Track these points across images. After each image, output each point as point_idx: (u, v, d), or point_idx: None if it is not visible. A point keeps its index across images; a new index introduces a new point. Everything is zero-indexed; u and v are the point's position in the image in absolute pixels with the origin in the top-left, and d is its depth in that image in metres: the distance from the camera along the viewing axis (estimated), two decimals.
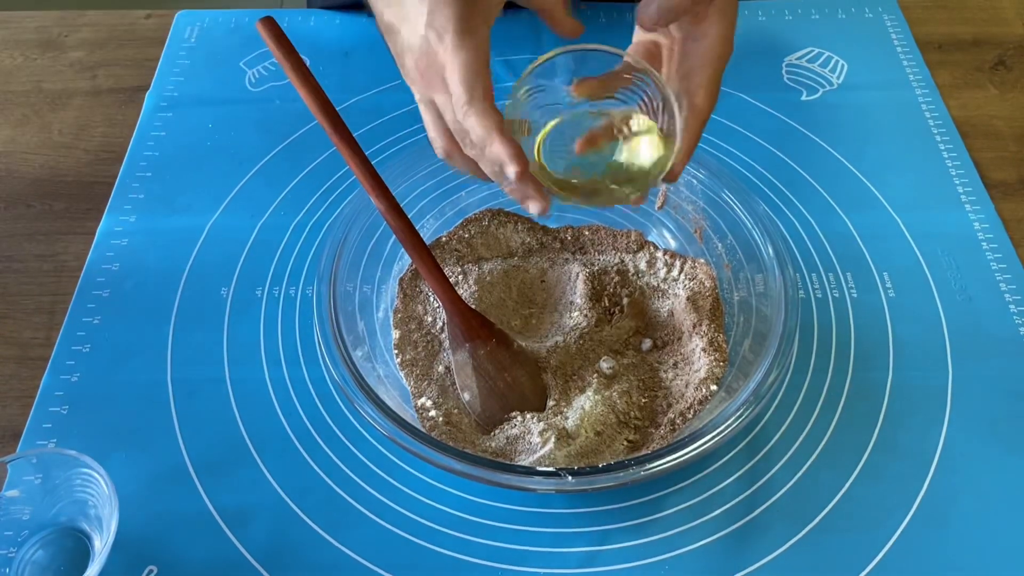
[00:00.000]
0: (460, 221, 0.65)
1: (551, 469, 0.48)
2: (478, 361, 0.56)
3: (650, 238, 0.65)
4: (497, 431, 0.55)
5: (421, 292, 0.61)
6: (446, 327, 0.58)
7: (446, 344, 0.58)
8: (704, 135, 0.73)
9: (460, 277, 0.61)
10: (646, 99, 0.51)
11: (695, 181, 0.61)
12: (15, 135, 0.76)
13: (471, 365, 0.56)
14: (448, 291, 0.57)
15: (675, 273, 0.62)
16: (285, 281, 0.65)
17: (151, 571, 0.51)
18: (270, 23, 0.54)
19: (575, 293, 0.61)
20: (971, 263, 0.66)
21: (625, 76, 0.51)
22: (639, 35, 0.54)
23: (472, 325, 0.57)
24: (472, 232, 0.65)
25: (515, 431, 0.54)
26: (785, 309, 0.53)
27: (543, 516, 0.54)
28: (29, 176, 0.73)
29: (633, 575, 0.52)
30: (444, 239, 0.64)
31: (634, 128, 0.52)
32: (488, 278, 0.61)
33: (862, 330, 0.63)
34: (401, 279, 0.62)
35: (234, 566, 0.52)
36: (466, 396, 0.56)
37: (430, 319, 0.60)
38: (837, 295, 0.64)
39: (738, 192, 0.60)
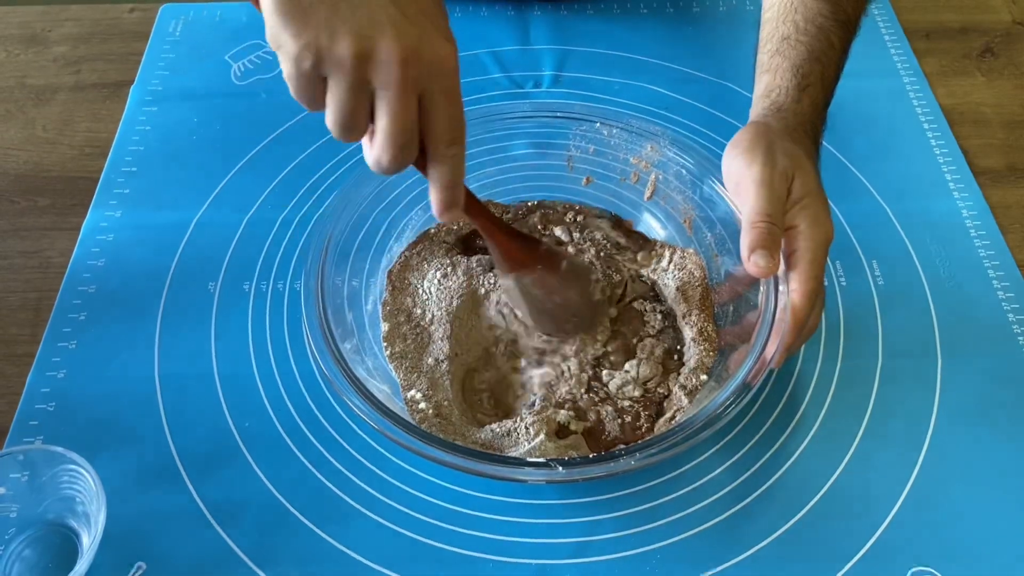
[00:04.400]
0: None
1: (542, 460, 0.48)
2: (523, 287, 0.55)
3: (640, 228, 0.65)
4: (489, 424, 0.55)
5: (410, 284, 0.61)
6: (490, 253, 0.56)
7: (436, 335, 0.58)
8: (692, 125, 0.75)
9: (449, 269, 0.61)
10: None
11: (684, 171, 0.61)
12: None
13: (518, 290, 0.56)
14: (482, 215, 0.54)
15: (664, 263, 0.62)
16: (273, 275, 0.65)
17: (140, 568, 0.51)
18: None
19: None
20: (959, 250, 0.67)
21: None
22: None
23: (513, 254, 0.55)
24: (461, 224, 0.64)
25: (506, 424, 0.54)
26: (774, 298, 0.53)
27: (534, 507, 0.54)
28: (13, 172, 0.73)
29: (624, 565, 0.52)
30: (433, 231, 0.64)
31: None
32: (477, 268, 0.61)
33: (851, 318, 0.63)
34: (390, 271, 0.62)
35: (224, 562, 0.52)
36: (518, 313, 0.56)
37: (419, 311, 0.60)
38: (826, 283, 0.64)
39: None
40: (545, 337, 0.58)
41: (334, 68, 0.42)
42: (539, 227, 0.65)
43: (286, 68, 0.42)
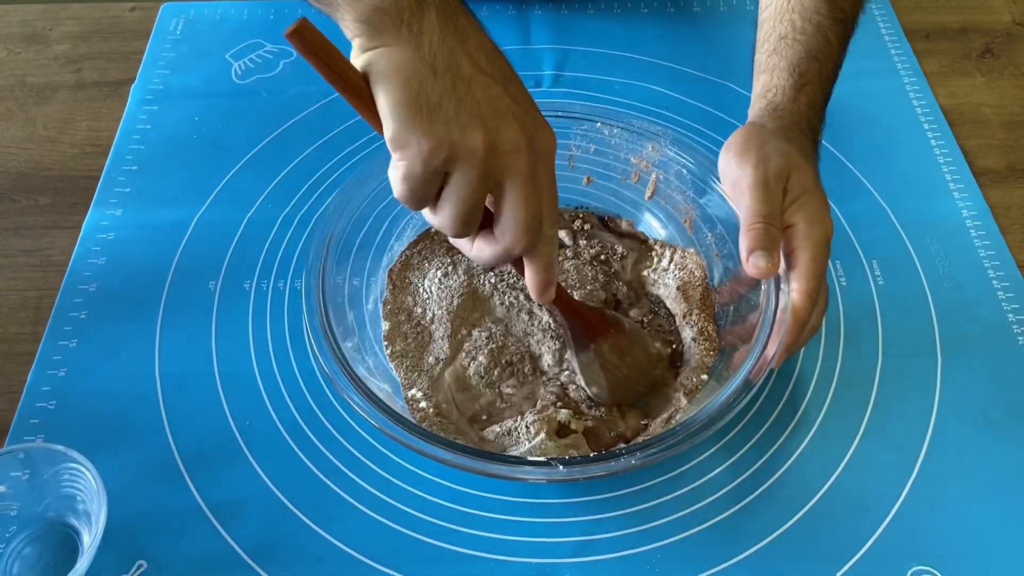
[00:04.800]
0: None
1: (542, 459, 0.48)
2: (603, 358, 0.56)
3: (640, 228, 0.65)
4: (490, 425, 0.55)
5: (410, 283, 0.61)
6: (565, 331, 0.56)
7: (436, 335, 0.58)
8: (693, 124, 0.75)
9: (450, 268, 0.61)
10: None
11: (684, 171, 0.61)
12: None
13: (598, 363, 0.55)
14: (564, 297, 0.55)
15: (665, 263, 0.62)
16: (274, 274, 0.65)
17: (140, 566, 0.51)
18: (302, 30, 0.41)
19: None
20: (959, 250, 0.67)
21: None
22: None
23: (592, 324, 0.56)
24: None
25: (507, 423, 0.54)
26: (775, 298, 0.53)
27: (534, 506, 0.54)
28: (14, 171, 0.73)
29: (624, 564, 0.52)
30: (434, 230, 0.64)
31: None
32: (478, 267, 0.61)
33: (851, 318, 0.63)
34: (390, 270, 0.62)
35: (224, 560, 0.52)
36: (594, 390, 0.56)
37: (419, 311, 0.60)
38: (827, 283, 0.64)
39: None
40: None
41: (465, 162, 0.41)
42: None
43: (411, 167, 0.41)
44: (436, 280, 0.60)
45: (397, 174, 0.42)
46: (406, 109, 0.40)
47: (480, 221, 0.45)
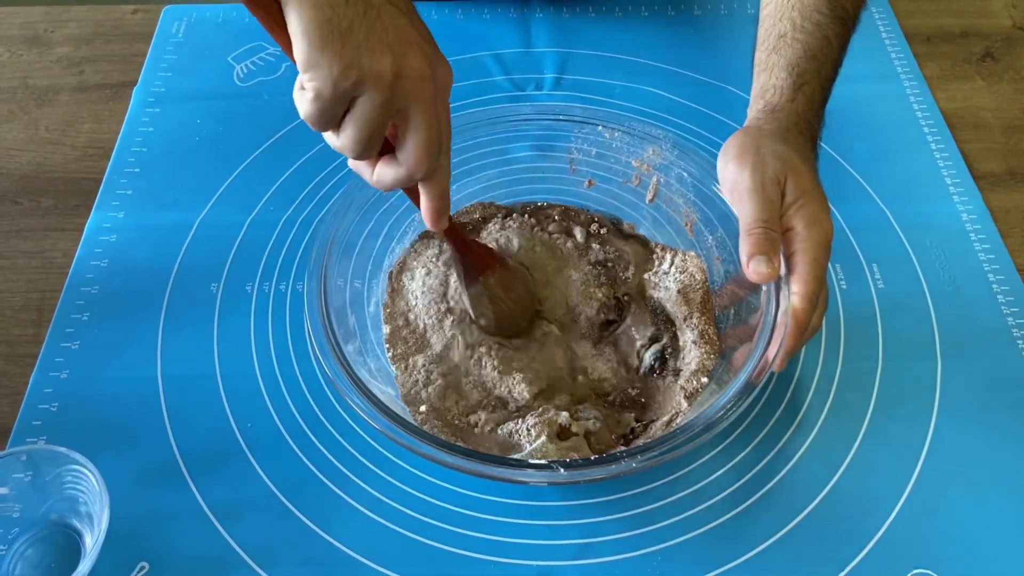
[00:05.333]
0: (452, 214, 0.65)
1: (543, 462, 0.48)
2: (491, 291, 0.58)
3: (641, 231, 0.65)
4: (490, 427, 0.55)
5: (404, 287, 0.61)
6: (455, 266, 0.59)
7: (432, 339, 0.58)
8: (694, 128, 0.75)
9: (432, 265, 0.61)
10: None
11: (686, 175, 0.61)
12: (1, 132, 0.76)
13: (486, 296, 0.58)
14: (456, 230, 0.57)
15: (666, 266, 0.62)
16: (275, 276, 0.65)
17: (142, 567, 0.51)
18: None
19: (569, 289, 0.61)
20: (959, 254, 0.67)
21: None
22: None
23: (481, 258, 0.58)
24: (462, 222, 0.64)
25: (508, 426, 0.54)
26: (776, 301, 0.53)
27: (535, 509, 0.54)
28: (16, 173, 0.73)
29: (625, 567, 0.52)
30: (429, 232, 0.64)
31: None
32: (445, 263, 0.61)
33: (852, 321, 0.63)
34: (390, 273, 0.62)
35: (226, 561, 0.52)
36: (482, 322, 0.58)
37: (412, 316, 0.59)
38: (827, 286, 0.64)
39: None
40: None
41: (373, 85, 0.43)
42: (557, 219, 0.65)
43: (320, 88, 0.42)
44: (421, 282, 0.60)
45: (306, 95, 0.43)
46: (317, 32, 0.41)
47: (380, 144, 0.46)
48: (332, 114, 0.44)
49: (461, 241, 0.58)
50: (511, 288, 0.59)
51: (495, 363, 0.57)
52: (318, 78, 0.42)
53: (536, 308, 0.60)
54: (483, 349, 0.58)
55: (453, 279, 0.59)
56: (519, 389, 0.56)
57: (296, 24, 0.41)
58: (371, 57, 0.42)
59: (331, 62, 0.41)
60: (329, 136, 0.46)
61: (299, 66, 0.42)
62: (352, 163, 0.49)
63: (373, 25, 0.42)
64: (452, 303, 0.59)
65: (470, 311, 0.58)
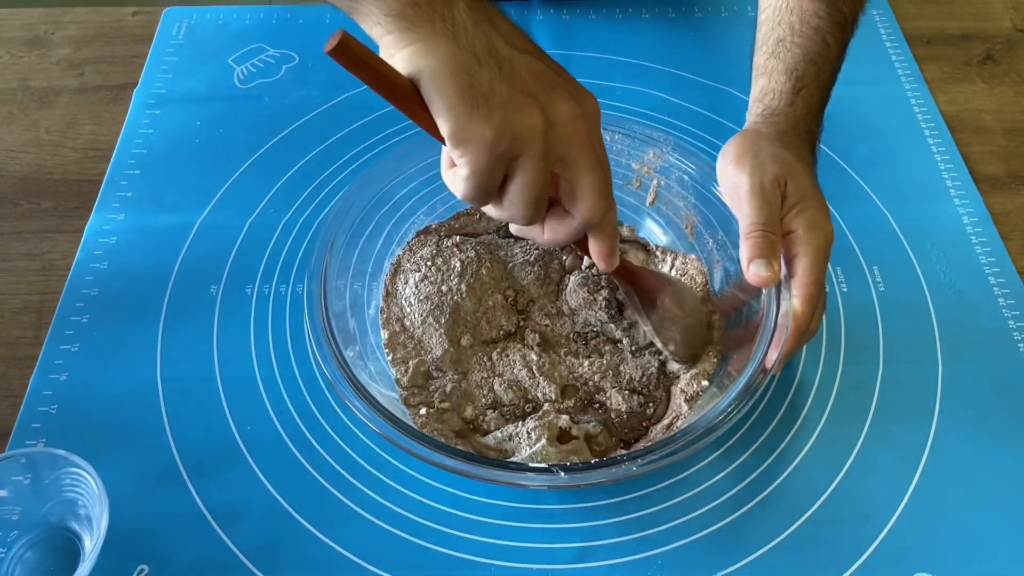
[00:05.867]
0: (451, 215, 0.65)
1: (544, 465, 0.48)
2: (669, 313, 0.55)
3: (641, 233, 0.65)
4: (490, 430, 0.55)
5: (398, 292, 0.60)
6: (627, 301, 0.56)
7: (428, 344, 0.57)
8: (694, 130, 0.75)
9: (427, 267, 0.60)
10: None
11: (686, 177, 0.61)
12: (1, 133, 0.76)
13: (667, 320, 0.55)
14: (624, 266, 0.54)
15: (666, 269, 0.62)
16: (275, 279, 0.65)
17: (142, 570, 0.51)
18: (347, 42, 0.38)
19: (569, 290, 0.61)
20: (960, 257, 0.67)
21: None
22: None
23: (651, 283, 0.56)
24: (463, 222, 0.64)
25: (508, 429, 0.54)
26: (776, 304, 0.53)
27: (535, 512, 0.54)
28: (16, 174, 0.73)
29: (625, 570, 0.52)
30: (434, 227, 0.64)
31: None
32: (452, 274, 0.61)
33: (852, 324, 0.63)
34: (387, 277, 0.62)
35: (225, 565, 0.52)
36: (671, 348, 0.55)
37: (408, 323, 0.59)
38: (828, 289, 0.64)
39: None
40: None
41: (529, 141, 0.40)
42: None
43: (477, 160, 0.40)
44: (414, 287, 0.59)
45: (462, 172, 0.41)
46: (462, 102, 0.39)
47: (547, 202, 0.44)
48: (492, 184, 0.42)
49: (631, 273, 0.55)
50: (683, 303, 0.56)
51: (496, 366, 0.57)
52: (472, 150, 0.40)
53: (707, 315, 0.57)
54: (483, 352, 0.57)
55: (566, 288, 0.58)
56: (519, 393, 0.56)
57: (439, 101, 0.39)
58: (519, 113, 0.40)
59: (483, 130, 0.39)
60: (492, 209, 0.44)
61: (449, 143, 0.40)
62: (516, 228, 0.47)
63: (512, 79, 0.40)
64: (592, 323, 0.58)
65: (657, 342, 0.55)
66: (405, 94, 0.40)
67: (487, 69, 0.40)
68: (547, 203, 0.44)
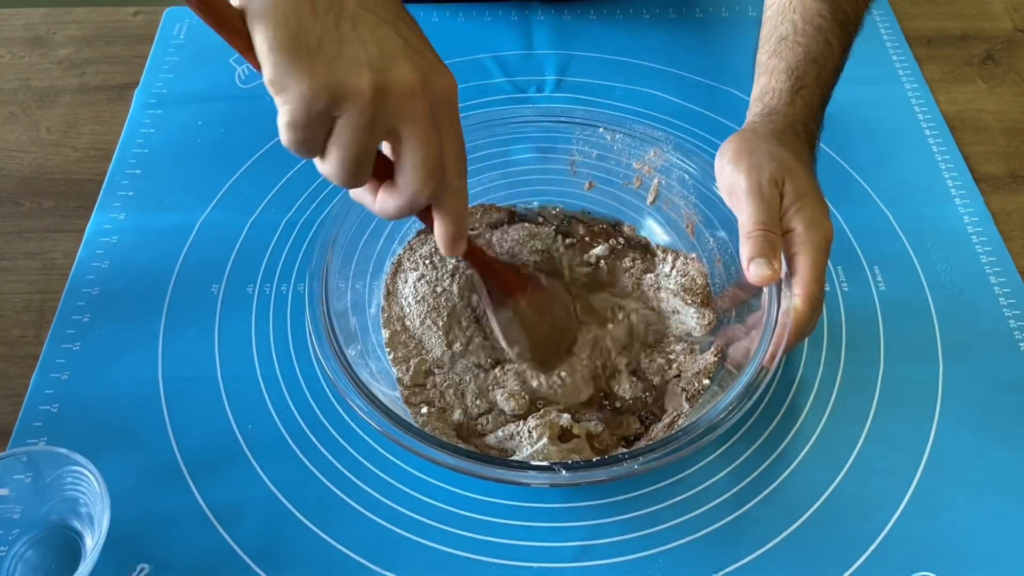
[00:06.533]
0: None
1: (545, 464, 0.48)
2: (523, 316, 0.55)
3: (642, 233, 0.65)
4: (491, 429, 0.55)
5: (398, 291, 0.60)
6: (480, 291, 0.55)
7: (429, 343, 0.58)
8: (695, 131, 0.75)
9: (425, 268, 0.61)
10: None
11: (687, 176, 0.61)
12: (2, 133, 0.76)
13: (517, 321, 0.55)
14: (478, 253, 0.54)
15: (667, 268, 0.62)
16: (276, 278, 0.65)
17: (143, 569, 0.51)
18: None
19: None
20: (961, 257, 0.67)
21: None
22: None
23: (509, 281, 0.55)
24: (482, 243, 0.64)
25: (509, 428, 0.54)
26: (776, 303, 0.53)
27: (537, 511, 0.54)
28: (17, 174, 0.73)
29: (626, 569, 0.52)
30: (423, 233, 0.64)
31: None
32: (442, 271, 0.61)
33: (853, 324, 0.63)
34: (387, 276, 0.62)
35: (227, 563, 0.52)
36: (515, 350, 0.55)
37: (408, 323, 0.59)
38: (828, 289, 0.64)
39: None
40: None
41: (351, 105, 0.39)
42: (586, 238, 0.64)
43: (293, 112, 0.39)
44: (413, 286, 0.60)
45: (280, 120, 0.40)
46: (283, 50, 0.38)
47: (371, 170, 0.43)
48: (311, 139, 0.40)
49: (483, 264, 0.54)
50: (546, 310, 0.55)
51: (496, 368, 0.57)
52: (289, 101, 0.39)
53: (577, 329, 0.57)
54: (482, 353, 0.57)
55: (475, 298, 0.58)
56: (520, 393, 0.56)
57: (261, 43, 0.38)
58: (346, 75, 0.38)
59: (299, 83, 0.38)
60: (317, 163, 0.43)
61: (269, 89, 0.39)
62: (353, 193, 0.46)
63: (347, 38, 0.39)
64: (480, 320, 0.57)
65: (500, 340, 0.55)
66: (234, 29, 0.39)
67: (321, 22, 0.38)
68: (369, 170, 0.43)
